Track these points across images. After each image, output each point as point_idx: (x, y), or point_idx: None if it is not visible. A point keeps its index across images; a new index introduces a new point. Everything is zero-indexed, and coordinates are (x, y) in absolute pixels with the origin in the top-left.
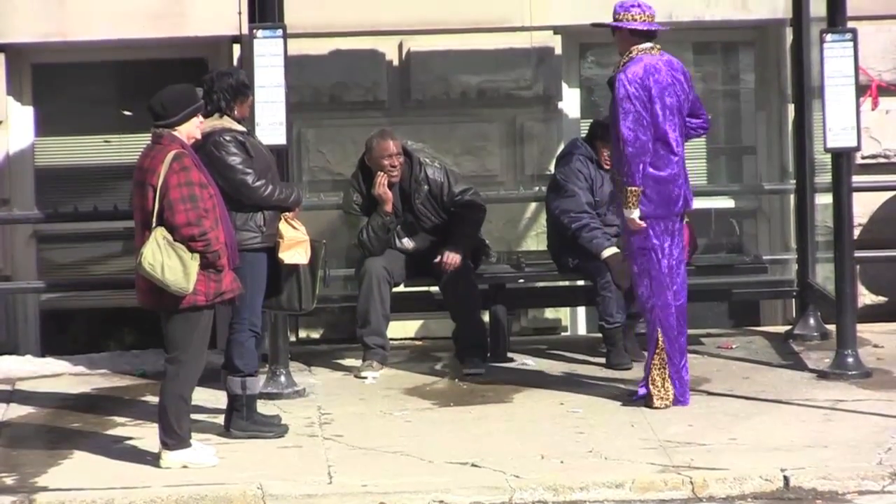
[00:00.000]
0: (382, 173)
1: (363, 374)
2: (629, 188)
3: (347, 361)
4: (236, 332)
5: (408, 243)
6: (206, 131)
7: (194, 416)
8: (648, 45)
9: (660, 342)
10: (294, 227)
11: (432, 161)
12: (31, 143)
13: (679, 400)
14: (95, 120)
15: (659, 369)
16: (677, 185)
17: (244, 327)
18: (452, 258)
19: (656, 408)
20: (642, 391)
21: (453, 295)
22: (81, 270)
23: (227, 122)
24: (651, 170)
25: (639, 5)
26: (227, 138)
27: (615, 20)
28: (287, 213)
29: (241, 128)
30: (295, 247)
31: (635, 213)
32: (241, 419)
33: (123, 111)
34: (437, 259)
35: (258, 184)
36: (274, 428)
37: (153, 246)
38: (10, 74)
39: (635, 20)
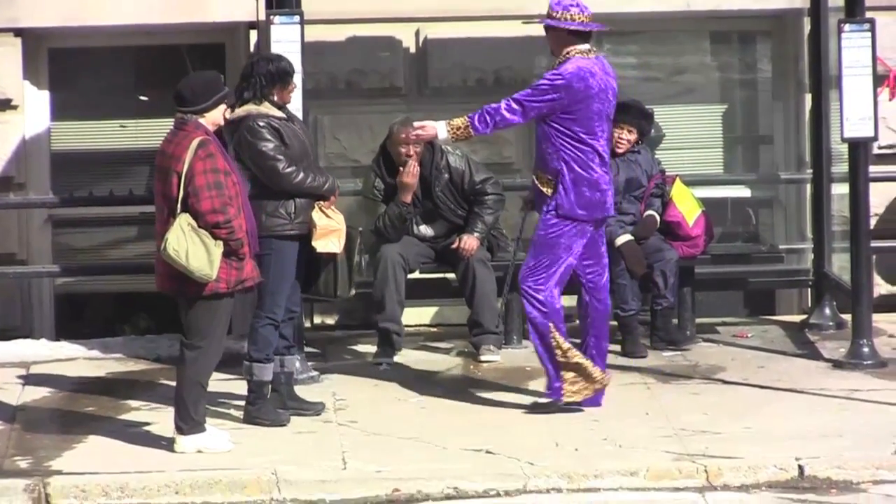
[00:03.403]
0: (415, 162)
1: (378, 359)
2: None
3: (362, 347)
4: (255, 318)
5: (426, 230)
6: (240, 115)
7: (210, 401)
8: (585, 46)
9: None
10: (328, 216)
11: (454, 149)
12: (47, 127)
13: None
14: (111, 105)
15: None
16: (600, 190)
17: (262, 314)
18: (470, 244)
19: (567, 405)
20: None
21: (469, 281)
22: (96, 255)
23: (265, 108)
24: (579, 170)
25: (577, 4)
26: (261, 124)
27: (550, 18)
28: (322, 202)
29: (279, 113)
30: (328, 235)
31: None
32: (247, 404)
33: (140, 96)
34: (455, 245)
35: (288, 170)
36: (271, 417)
37: (177, 232)
38: (26, 58)
39: (574, 20)
